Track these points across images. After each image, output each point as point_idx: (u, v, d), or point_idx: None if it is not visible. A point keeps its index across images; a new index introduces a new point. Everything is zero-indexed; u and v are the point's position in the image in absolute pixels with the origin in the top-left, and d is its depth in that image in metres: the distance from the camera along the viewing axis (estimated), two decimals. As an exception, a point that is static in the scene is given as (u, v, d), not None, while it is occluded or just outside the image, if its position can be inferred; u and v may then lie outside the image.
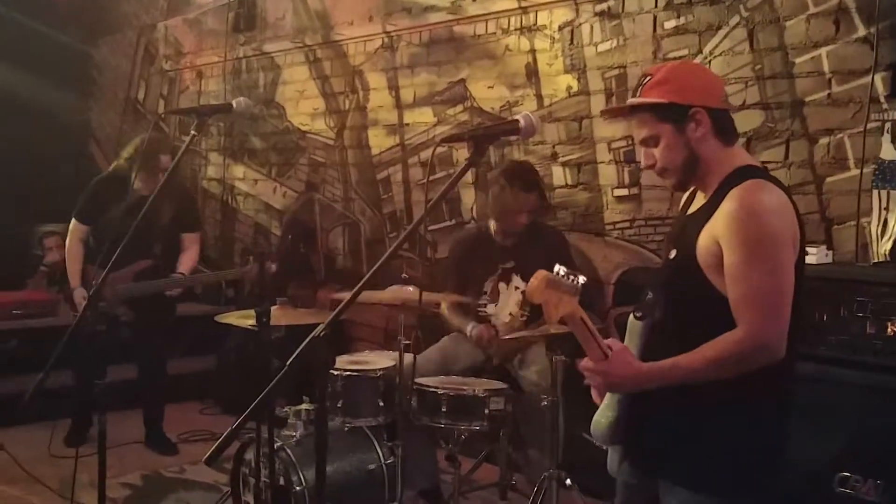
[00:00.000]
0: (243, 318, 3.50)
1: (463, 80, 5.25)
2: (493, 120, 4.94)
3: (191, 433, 5.19)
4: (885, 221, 3.51)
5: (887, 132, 3.52)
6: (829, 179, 3.73)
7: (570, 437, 3.81)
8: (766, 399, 2.09)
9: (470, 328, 4.03)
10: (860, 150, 3.59)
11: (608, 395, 2.22)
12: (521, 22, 4.90)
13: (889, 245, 3.47)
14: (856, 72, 3.60)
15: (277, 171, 6.66)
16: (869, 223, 3.57)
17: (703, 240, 2.07)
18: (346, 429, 3.61)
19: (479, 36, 5.14)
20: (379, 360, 3.84)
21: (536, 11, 4.82)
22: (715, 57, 4.05)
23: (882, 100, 3.53)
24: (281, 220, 6.65)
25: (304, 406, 3.57)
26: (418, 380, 3.58)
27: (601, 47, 4.54)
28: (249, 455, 3.47)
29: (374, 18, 5.74)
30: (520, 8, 4.90)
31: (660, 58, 4.26)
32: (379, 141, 5.82)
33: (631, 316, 2.21)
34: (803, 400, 2.18)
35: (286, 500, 3.34)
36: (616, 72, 4.48)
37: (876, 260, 3.50)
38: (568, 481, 3.60)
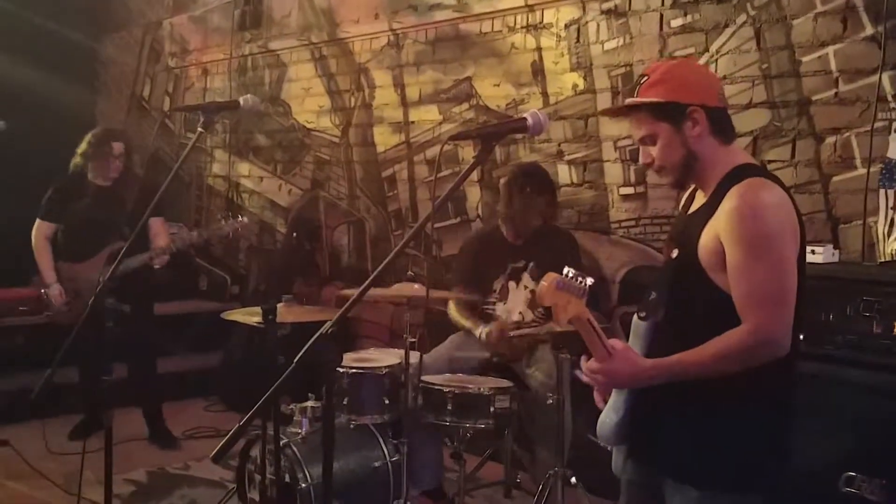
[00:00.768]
0: (249, 315, 3.50)
1: (469, 78, 5.24)
2: (499, 118, 4.94)
3: (195, 430, 5.20)
4: (892, 221, 3.50)
5: (894, 131, 3.51)
6: (835, 178, 3.72)
7: (576, 435, 3.82)
8: (769, 396, 2.09)
9: (480, 328, 4.01)
10: (867, 150, 3.59)
11: (613, 395, 2.22)
12: (528, 20, 4.90)
13: (895, 245, 3.46)
14: (863, 71, 3.60)
15: (283, 169, 6.66)
16: (876, 222, 3.56)
17: (705, 238, 2.07)
18: (351, 426, 3.61)
19: (485, 34, 5.13)
20: (384, 357, 3.84)
21: (543, 9, 4.82)
22: (721, 55, 4.04)
23: (889, 99, 3.53)
24: (286, 218, 6.65)
25: (309, 403, 3.57)
26: (424, 378, 3.58)
27: (607, 45, 4.54)
28: (255, 452, 3.47)
29: (380, 16, 5.74)
30: (526, 6, 4.89)
31: (666, 56, 4.26)
32: (384, 139, 5.82)
33: (635, 316, 2.21)
34: (809, 399, 2.18)
35: (291, 497, 3.34)
36: (622, 70, 4.48)
37: (882, 259, 3.49)
38: (573, 480, 3.61)
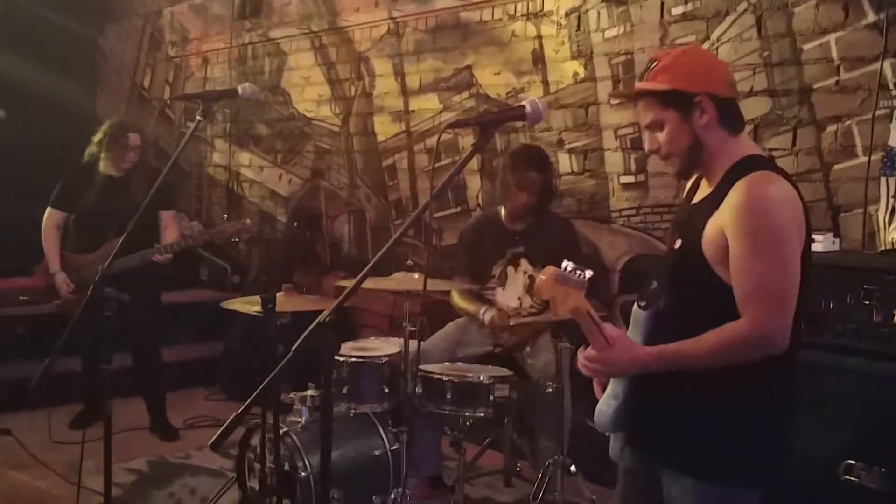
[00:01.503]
0: (249, 305, 3.50)
1: (469, 67, 5.23)
2: (500, 107, 4.92)
3: (196, 419, 5.21)
4: (893, 209, 3.49)
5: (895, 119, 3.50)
6: (836, 167, 3.71)
7: (575, 423, 3.82)
8: (769, 389, 2.08)
9: (483, 311, 4.03)
10: (868, 138, 3.58)
11: (611, 383, 2.22)
12: (528, 8, 4.89)
13: (896, 233, 3.46)
14: (864, 58, 3.58)
15: (283, 158, 6.66)
16: (876, 211, 3.55)
17: (709, 230, 2.05)
18: (351, 415, 3.62)
19: (485, 22, 5.12)
20: (384, 346, 3.84)
21: (543, -3, 4.81)
22: (722, 43, 4.03)
23: (891, 86, 3.51)
24: (286, 207, 6.65)
25: (309, 392, 3.57)
26: (423, 366, 3.58)
27: (608, 33, 4.52)
28: (255, 441, 3.48)
29: (380, 4, 5.72)
30: (526, -6, 4.88)
31: (667, 44, 4.25)
32: (384, 128, 5.81)
33: (635, 305, 2.20)
34: (809, 388, 2.18)
35: (291, 486, 3.35)
36: (623, 58, 4.46)
37: (883, 248, 3.49)
38: (573, 468, 3.61)
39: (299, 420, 3.52)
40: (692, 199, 2.24)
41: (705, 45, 4.05)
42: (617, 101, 4.50)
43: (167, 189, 5.00)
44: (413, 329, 3.45)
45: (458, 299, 4.18)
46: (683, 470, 2.12)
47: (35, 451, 4.36)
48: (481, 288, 4.17)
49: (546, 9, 4.79)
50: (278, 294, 3.37)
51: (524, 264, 4.12)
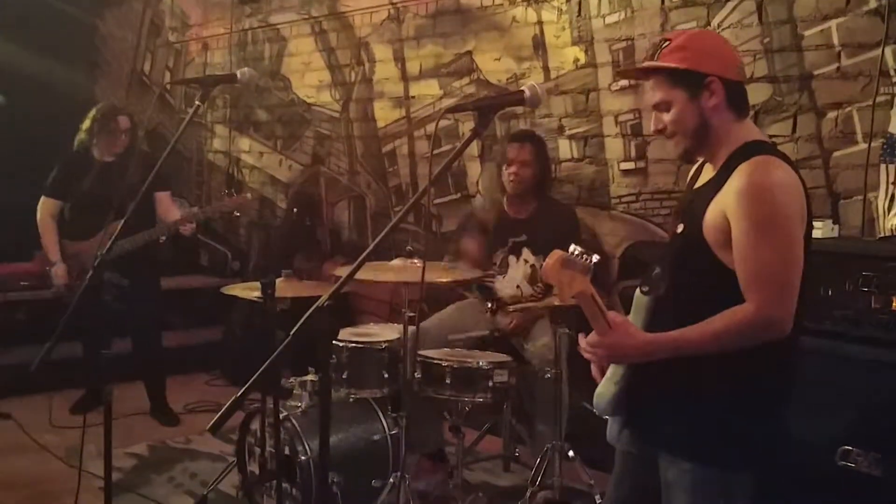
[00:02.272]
0: (248, 290, 3.51)
1: (469, 52, 5.22)
2: (500, 92, 4.91)
3: (197, 404, 5.23)
4: (893, 196, 3.49)
5: (896, 106, 3.49)
6: (836, 153, 3.71)
7: (573, 409, 3.84)
8: (768, 373, 2.08)
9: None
10: (868, 124, 3.56)
11: (611, 367, 2.23)
12: (529, -7, 4.87)
13: (895, 220, 3.46)
14: (866, 45, 3.56)
15: (283, 144, 6.65)
16: (876, 198, 3.55)
17: (711, 215, 2.06)
18: (350, 400, 3.63)
19: (485, 7, 5.10)
20: (384, 332, 3.85)
21: (544, -17, 4.79)
22: (723, 29, 4.01)
23: (892, 73, 3.50)
24: (287, 193, 6.65)
25: (309, 377, 3.59)
26: (422, 352, 3.59)
27: (609, 19, 4.51)
28: (255, 425, 3.49)
29: (381, -11, 5.70)
30: (527, -21, 4.86)
31: (668, 30, 4.23)
32: (385, 114, 5.80)
33: (637, 290, 2.20)
34: (807, 374, 2.18)
35: (291, 470, 3.36)
36: (623, 44, 4.45)
37: (882, 234, 3.48)
38: (570, 453, 3.62)
39: (299, 405, 3.54)
40: (695, 184, 2.24)
41: (706, 31, 4.04)
42: (618, 87, 4.49)
43: (161, 170, 4.99)
44: (412, 315, 3.45)
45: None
46: (680, 453, 2.13)
47: (36, 436, 4.38)
48: (483, 275, 4.17)
49: (547, -6, 4.77)
50: (278, 280, 3.37)
51: (526, 253, 4.12)
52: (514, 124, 4.95)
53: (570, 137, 4.73)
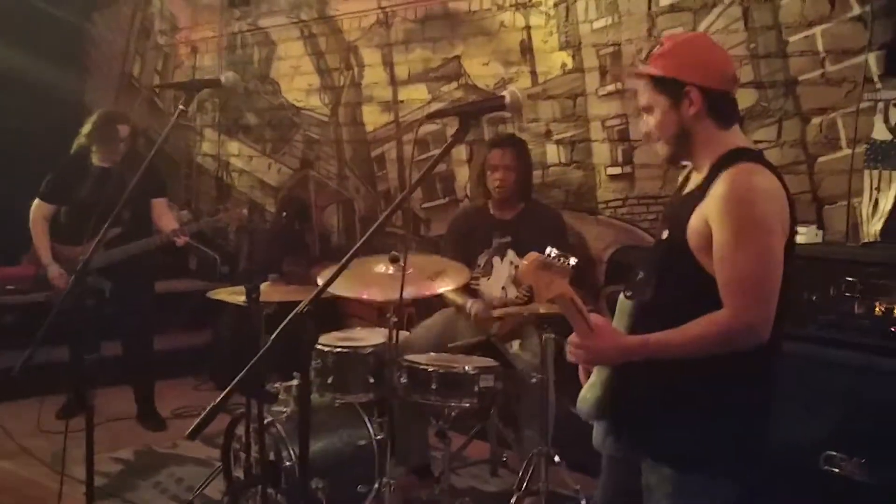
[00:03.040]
0: (235, 295, 3.50)
1: (458, 57, 5.22)
2: (487, 97, 4.92)
3: (184, 409, 5.21)
4: (877, 201, 3.51)
5: (880, 112, 3.51)
6: (821, 159, 3.73)
7: (560, 414, 3.84)
8: (750, 381, 2.09)
9: (470, 303, 4.03)
10: (853, 130, 3.59)
11: (595, 371, 2.23)
12: (516, -2, 4.88)
13: (880, 225, 3.47)
14: (850, 51, 3.59)
15: (272, 148, 6.65)
16: (860, 203, 3.56)
17: (694, 221, 2.06)
18: (336, 405, 3.62)
19: (473, 12, 5.11)
20: (370, 336, 3.84)
21: (531, -12, 4.80)
22: (709, 35, 4.02)
23: (875, 79, 3.52)
24: (276, 197, 6.64)
25: (294, 382, 3.57)
26: (408, 357, 3.58)
27: (596, 24, 4.52)
28: (240, 430, 3.48)
29: (369, -6, 5.71)
30: (515, -16, 4.87)
31: (655, 35, 4.25)
32: (373, 118, 5.80)
33: (621, 295, 2.21)
34: (791, 379, 2.19)
35: (276, 475, 3.36)
36: (611, 49, 4.47)
37: (866, 240, 3.50)
38: (556, 458, 3.62)
39: (284, 410, 3.52)
40: (683, 190, 2.25)
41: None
42: (605, 93, 4.50)
43: (157, 177, 4.99)
44: (397, 320, 3.44)
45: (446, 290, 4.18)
46: (661, 459, 2.13)
47: (22, 441, 4.37)
48: (469, 279, 4.17)
49: (534, -1, 4.79)
50: (264, 284, 3.37)
51: (511, 254, 4.12)
52: (501, 129, 4.96)
53: (558, 142, 4.74)
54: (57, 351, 4.72)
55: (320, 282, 1.97)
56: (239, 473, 3.49)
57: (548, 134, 4.77)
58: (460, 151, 5.22)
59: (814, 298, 3.12)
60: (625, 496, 2.28)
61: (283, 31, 6.41)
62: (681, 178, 2.33)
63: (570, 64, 4.65)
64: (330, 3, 6.01)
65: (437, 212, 5.40)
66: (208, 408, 1.85)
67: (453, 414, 3.54)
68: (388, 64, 5.65)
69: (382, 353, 3.58)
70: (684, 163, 2.28)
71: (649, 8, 4.28)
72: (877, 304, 2.99)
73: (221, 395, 1.86)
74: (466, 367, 3.53)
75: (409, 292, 3.18)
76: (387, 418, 3.47)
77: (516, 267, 4.09)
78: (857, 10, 3.55)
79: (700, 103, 2.11)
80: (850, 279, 3.05)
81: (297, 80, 6.34)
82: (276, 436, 3.39)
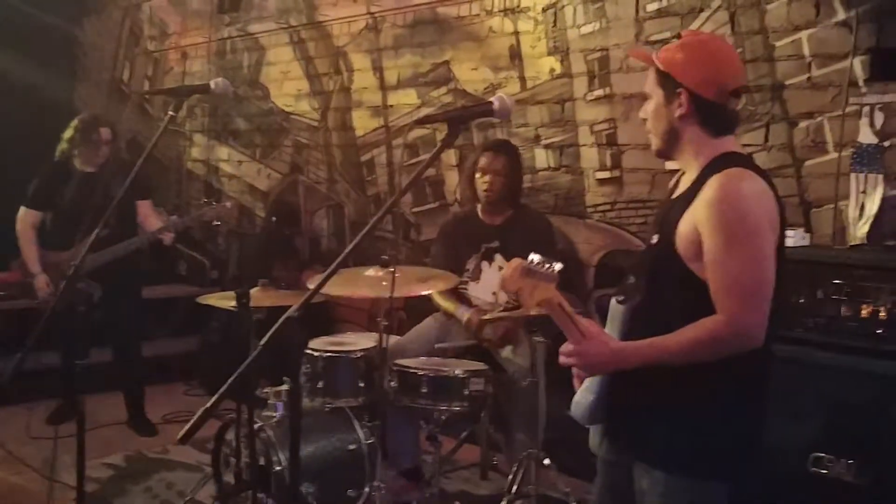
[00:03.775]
0: (225, 300, 3.50)
1: (447, 62, 5.24)
2: (477, 102, 4.94)
3: (174, 414, 5.21)
4: (863, 205, 3.53)
5: (866, 116, 3.53)
6: (808, 163, 3.75)
7: (551, 417, 3.85)
8: (742, 385, 2.09)
9: (462, 312, 4.04)
10: (839, 134, 3.61)
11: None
12: (505, 3, 4.90)
13: (866, 228, 3.50)
14: (835, 55, 3.61)
15: (262, 153, 6.65)
16: (847, 206, 3.59)
17: (683, 226, 2.07)
18: (326, 409, 3.62)
19: (462, 17, 5.13)
20: (360, 341, 3.84)
21: (520, -7, 4.82)
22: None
23: (861, 83, 3.55)
24: (265, 202, 6.64)
25: (284, 387, 3.57)
26: (398, 361, 3.59)
27: (584, 29, 4.55)
28: (230, 435, 3.48)
29: (359, -1, 5.72)
30: (503, -11, 4.89)
31: (642, 40, 4.27)
32: (363, 123, 5.81)
33: (613, 300, 2.21)
34: (779, 381, 2.20)
35: (267, 480, 3.36)
36: (599, 54, 4.49)
37: (853, 243, 3.52)
38: (546, 461, 3.63)
39: (274, 415, 3.52)
40: (673, 194, 2.25)
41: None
42: (593, 97, 4.52)
43: (142, 179, 5.00)
44: (387, 324, 3.45)
45: (437, 297, 4.19)
46: (653, 462, 2.14)
47: (12, 447, 4.35)
48: (458, 284, 4.18)
49: (523, 4, 4.80)
50: (254, 289, 3.37)
51: (499, 259, 4.13)
52: (490, 133, 4.98)
53: (547, 147, 4.76)
54: (46, 357, 4.74)
55: (311, 286, 1.98)
56: (229, 478, 3.48)
57: (536, 139, 4.79)
58: (450, 156, 5.24)
59: (801, 301, 3.14)
60: (620, 500, 2.29)
61: (273, 37, 6.42)
62: (672, 183, 2.34)
63: (558, 69, 4.67)
64: (319, 8, 6.02)
65: (427, 216, 5.42)
66: (199, 412, 1.85)
67: (443, 417, 3.55)
68: (378, 69, 5.66)
69: (372, 357, 3.59)
70: (672, 164, 2.29)
71: (637, 13, 4.30)
72: (863, 306, 3.01)
73: (212, 399, 1.86)
74: (456, 371, 3.54)
75: (398, 293, 3.19)
76: (377, 422, 3.48)
77: (504, 271, 4.10)
78: (842, 15, 3.58)
79: (687, 108, 2.11)
80: (837, 282, 3.08)
81: (287, 85, 6.35)
82: (267, 440, 3.39)
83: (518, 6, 4.82)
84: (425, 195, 5.42)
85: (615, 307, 2.20)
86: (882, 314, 2.97)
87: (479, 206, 4.22)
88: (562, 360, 2.16)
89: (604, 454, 2.33)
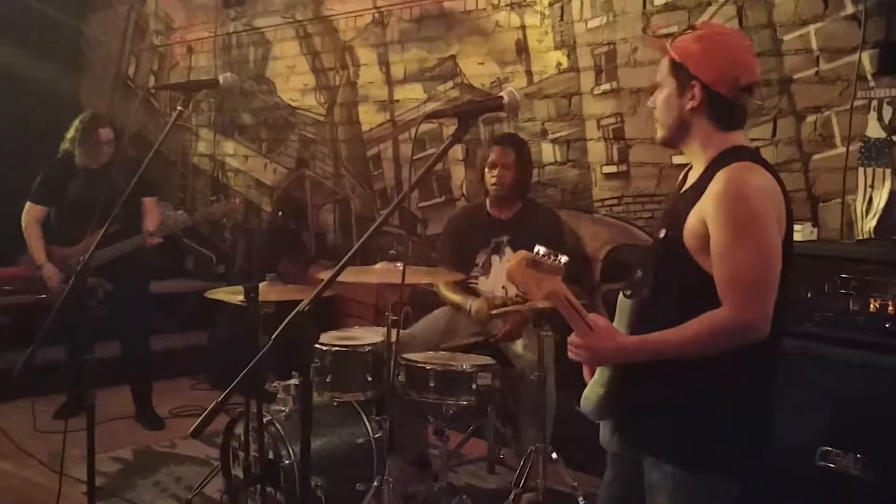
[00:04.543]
0: (232, 294, 3.51)
1: (453, 56, 5.23)
2: (483, 96, 4.93)
3: (182, 408, 5.22)
4: (871, 199, 3.53)
5: (874, 110, 3.53)
6: (815, 157, 3.75)
7: (559, 411, 3.86)
8: (751, 379, 2.10)
9: (470, 302, 4.04)
10: (847, 128, 3.61)
11: (598, 370, 2.24)
12: (512, -2, 4.89)
13: (874, 222, 3.50)
14: (843, 49, 3.61)
15: (268, 148, 6.65)
16: (854, 201, 3.59)
17: (691, 220, 2.07)
18: (334, 404, 3.63)
19: (469, 11, 5.12)
20: (368, 335, 3.85)
21: (527, -13, 4.81)
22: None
23: (869, 77, 3.54)
24: (272, 197, 6.65)
25: (292, 381, 3.59)
26: (406, 355, 3.60)
27: (591, 23, 4.54)
28: (239, 429, 3.49)
29: (365, -7, 5.72)
30: (510, -17, 4.88)
31: (649, 34, 4.26)
32: (369, 117, 5.81)
33: (621, 294, 2.22)
34: (786, 375, 2.20)
35: (275, 474, 3.37)
36: (605, 48, 4.48)
37: (860, 237, 3.52)
38: (554, 455, 3.64)
39: (283, 409, 3.54)
40: (681, 188, 2.25)
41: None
42: (600, 92, 4.51)
43: (146, 175, 5.00)
44: (395, 318, 3.46)
45: (444, 290, 4.19)
46: (662, 456, 2.14)
47: (19, 441, 4.37)
48: (467, 278, 4.19)
49: (529, -1, 4.80)
50: (262, 284, 3.38)
51: (508, 253, 4.14)
52: (497, 128, 4.98)
53: (553, 141, 4.76)
54: (53, 351, 4.76)
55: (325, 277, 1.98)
56: (238, 472, 3.50)
57: (543, 133, 4.79)
58: (457, 151, 5.23)
59: (809, 295, 3.14)
60: (629, 494, 2.30)
61: (279, 31, 6.42)
62: (680, 177, 2.34)
63: (565, 63, 4.67)
64: (325, 2, 6.02)
65: (433, 211, 5.42)
66: (211, 405, 1.86)
67: (451, 412, 3.56)
68: (384, 63, 5.66)
69: (381, 351, 3.60)
70: (680, 159, 2.29)
71: (644, 7, 4.29)
72: (871, 300, 3.01)
73: (224, 393, 1.87)
74: (464, 366, 3.55)
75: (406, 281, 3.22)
76: (385, 416, 3.48)
77: (512, 266, 4.10)
78: (850, 9, 3.57)
79: (700, 101, 2.11)
80: (845, 276, 3.08)
81: (293, 79, 6.34)
82: (275, 435, 3.40)
83: (524, 0, 4.82)
84: (432, 190, 5.42)
85: (623, 301, 2.21)
86: (890, 308, 2.97)
87: (487, 201, 4.22)
88: (570, 352, 2.16)
89: (614, 449, 2.33)
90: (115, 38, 7.85)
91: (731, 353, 2.02)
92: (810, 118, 3.74)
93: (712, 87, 2.10)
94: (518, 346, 4.05)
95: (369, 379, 3.61)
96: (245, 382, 1.97)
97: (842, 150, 3.63)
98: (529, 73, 4.84)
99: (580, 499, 3.60)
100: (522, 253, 2.11)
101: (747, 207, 2.00)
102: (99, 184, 4.63)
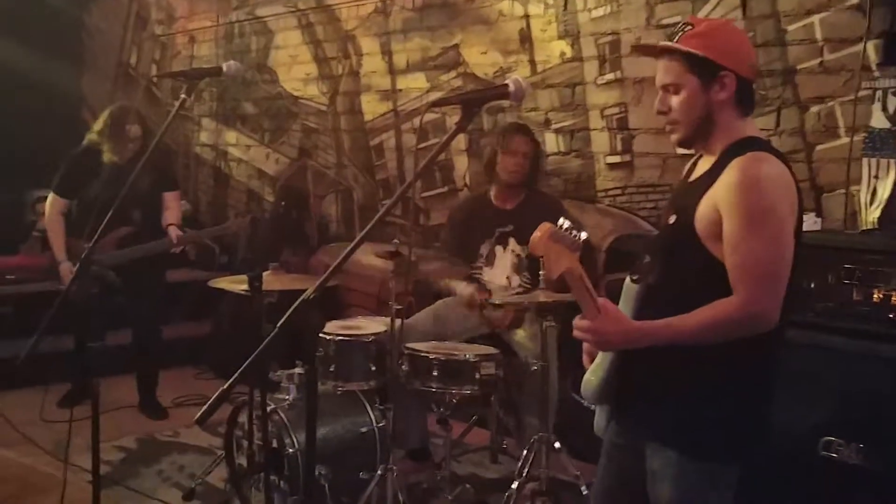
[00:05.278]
0: (236, 283, 3.52)
1: (456, 46, 5.22)
2: (487, 86, 4.92)
3: (185, 398, 5.24)
4: (875, 189, 3.53)
5: (878, 100, 3.51)
6: (819, 147, 3.74)
7: (561, 401, 3.87)
8: (754, 364, 2.10)
9: (462, 287, 4.04)
10: (851, 118, 3.60)
11: (599, 355, 2.23)
12: (515, -13, 4.88)
13: (878, 213, 3.49)
14: (848, 39, 3.60)
15: (270, 137, 6.65)
16: (858, 191, 3.58)
17: (703, 207, 2.07)
18: (338, 392, 3.64)
19: (472, 1, 5.11)
20: (371, 325, 3.86)
21: (530, -23, 4.80)
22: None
23: (873, 68, 3.53)
24: (274, 187, 6.64)
25: (296, 370, 3.59)
26: (409, 344, 3.60)
27: (595, 13, 4.53)
28: (243, 418, 3.50)
29: (368, -18, 5.70)
30: (514, -28, 4.87)
31: (653, 24, 4.25)
32: (372, 107, 5.81)
33: (627, 278, 2.21)
34: (789, 365, 2.21)
35: (279, 463, 3.38)
36: (609, 38, 4.47)
37: (864, 227, 3.52)
38: (557, 445, 3.65)
39: (287, 398, 3.55)
40: (690, 176, 2.25)
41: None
42: (604, 81, 4.51)
43: (169, 170, 5.03)
44: (399, 307, 3.47)
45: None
46: (666, 443, 2.14)
47: (24, 430, 4.38)
48: (470, 268, 4.19)
49: (533, -12, 4.79)
50: (265, 273, 3.38)
51: (512, 243, 4.14)
52: (500, 118, 4.97)
53: (557, 131, 4.75)
54: (59, 340, 4.76)
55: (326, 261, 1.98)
56: (242, 461, 3.51)
57: (546, 123, 4.78)
58: (459, 141, 5.23)
59: (812, 286, 3.13)
60: (624, 483, 2.30)
61: (281, 20, 6.40)
62: (688, 165, 2.33)
63: (568, 53, 4.66)
64: (328, -9, 6.01)
65: (436, 201, 5.42)
66: (216, 393, 1.86)
67: (454, 401, 3.57)
68: (387, 53, 5.65)
69: (384, 340, 3.61)
70: (691, 150, 2.28)
71: (648, -4, 4.29)
72: (875, 291, 3.01)
73: (229, 382, 1.87)
74: (467, 355, 3.56)
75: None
76: (389, 406, 3.49)
77: (518, 256, 4.11)
78: (855, -1, 3.57)
79: (732, 89, 2.11)
80: (849, 266, 3.07)
81: (295, 69, 6.34)
82: (279, 423, 3.41)
83: (528, -10, 4.81)
84: (434, 180, 5.42)
85: (629, 286, 2.20)
86: (893, 298, 2.96)
87: (491, 190, 4.21)
88: (576, 333, 2.15)
89: (611, 437, 2.33)
90: (116, 27, 7.84)
91: (737, 340, 2.02)
92: (814, 108, 3.74)
93: (742, 74, 2.12)
94: (521, 335, 4.06)
95: (373, 368, 3.62)
96: (250, 371, 1.97)
97: (846, 140, 3.62)
98: (533, 63, 4.83)
99: (583, 488, 3.60)
100: (547, 225, 2.09)
101: (762, 197, 2.01)
102: (124, 180, 4.62)
